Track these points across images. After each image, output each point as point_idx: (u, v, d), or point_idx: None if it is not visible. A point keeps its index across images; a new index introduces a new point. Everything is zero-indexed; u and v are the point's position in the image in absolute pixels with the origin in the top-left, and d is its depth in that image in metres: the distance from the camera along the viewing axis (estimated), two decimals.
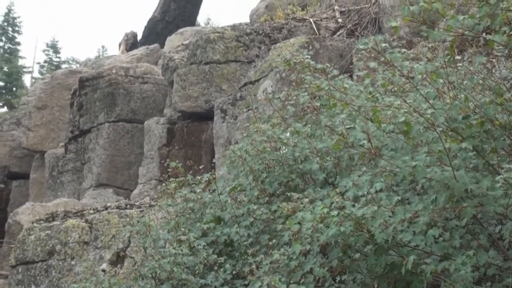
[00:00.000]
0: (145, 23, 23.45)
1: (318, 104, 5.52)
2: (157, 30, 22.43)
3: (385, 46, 4.07)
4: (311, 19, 12.92)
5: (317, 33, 12.40)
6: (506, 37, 3.64)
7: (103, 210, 9.55)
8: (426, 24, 3.73)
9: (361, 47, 4.00)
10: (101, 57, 28.34)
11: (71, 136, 16.08)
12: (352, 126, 4.21)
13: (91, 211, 9.68)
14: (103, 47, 32.59)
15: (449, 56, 4.16)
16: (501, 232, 3.95)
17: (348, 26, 12.71)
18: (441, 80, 4.10)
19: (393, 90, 4.49)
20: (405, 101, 3.77)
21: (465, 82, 4.28)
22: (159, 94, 15.37)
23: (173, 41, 19.01)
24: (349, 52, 10.64)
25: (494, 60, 5.25)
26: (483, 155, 3.90)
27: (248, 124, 6.85)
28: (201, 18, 28.12)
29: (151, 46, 19.37)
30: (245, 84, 11.26)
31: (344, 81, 5.33)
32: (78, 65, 31.75)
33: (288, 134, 5.83)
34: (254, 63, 11.76)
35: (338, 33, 12.58)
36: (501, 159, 3.99)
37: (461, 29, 3.79)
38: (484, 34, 3.94)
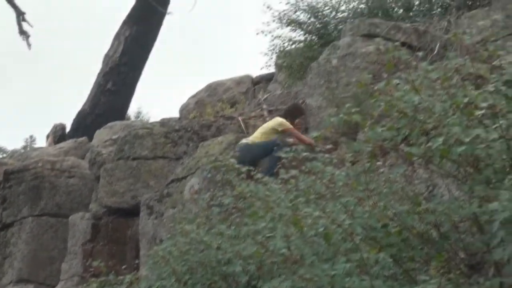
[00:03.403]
0: (74, 115, 23.32)
1: (243, 206, 5.57)
2: (86, 123, 22.30)
3: (307, 154, 4.15)
4: (239, 117, 13.06)
5: (245, 131, 12.53)
6: (422, 149, 3.74)
7: None
8: (346, 136, 3.82)
9: (283, 155, 4.07)
10: (28, 148, 28.01)
11: None
12: (272, 234, 4.25)
13: None
14: (31, 137, 32.30)
15: (369, 164, 4.25)
16: None
17: None
18: (361, 188, 4.18)
19: (314, 198, 4.55)
20: (323, 212, 3.83)
21: (385, 190, 4.38)
22: (86, 189, 15.18)
23: (102, 134, 18.91)
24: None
25: (413, 167, 5.37)
26: (401, 263, 3.95)
27: (172, 225, 6.84)
28: (131, 111, 28.08)
29: (79, 139, 19.22)
30: (172, 181, 11.24)
31: (268, 185, 5.40)
32: (4, 155, 31.29)
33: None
34: (182, 160, 11.79)
35: None
36: (418, 268, 4.05)
37: (379, 140, 3.90)
38: (402, 145, 4.05)
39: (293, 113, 10.81)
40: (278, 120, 10.51)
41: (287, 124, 10.31)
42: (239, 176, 5.82)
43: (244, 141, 10.41)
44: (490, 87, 3.60)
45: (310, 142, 9.54)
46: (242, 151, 9.85)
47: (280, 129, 10.29)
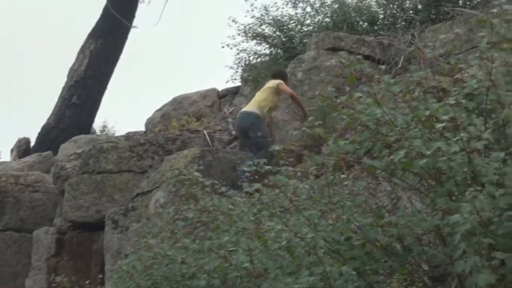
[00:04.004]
0: (39, 129, 23.13)
1: (207, 220, 5.55)
2: (51, 137, 22.12)
3: (269, 168, 4.14)
4: (205, 131, 13.05)
5: (210, 144, 12.52)
6: (385, 162, 3.75)
7: None
8: (308, 149, 3.82)
9: (246, 169, 4.06)
10: None
11: None
12: (235, 248, 4.23)
13: None
14: None
15: (332, 177, 4.25)
16: None
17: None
18: (324, 201, 4.19)
19: (277, 212, 4.55)
20: (286, 225, 3.82)
21: (348, 203, 4.39)
22: (50, 203, 15.05)
23: (67, 148, 18.78)
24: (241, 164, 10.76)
25: (377, 180, 5.39)
26: (364, 276, 3.96)
27: (137, 239, 6.79)
28: (97, 125, 27.91)
29: (44, 154, 19.04)
30: (137, 195, 11.17)
31: (232, 198, 5.39)
32: None
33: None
34: (147, 173, 11.73)
35: (232, 145, 12.75)
36: (382, 280, 4.06)
37: (342, 154, 3.90)
38: (365, 158, 4.06)
39: (283, 76, 11.31)
40: (275, 81, 10.98)
41: (284, 84, 10.92)
42: (203, 190, 5.81)
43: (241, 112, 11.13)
44: (451, 100, 3.62)
45: (305, 111, 10.48)
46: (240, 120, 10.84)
47: (276, 84, 10.89)
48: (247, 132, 10.56)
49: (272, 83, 10.93)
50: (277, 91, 10.84)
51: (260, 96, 10.89)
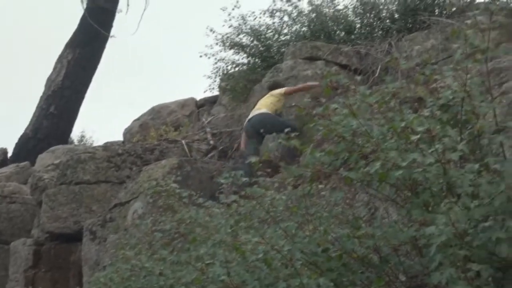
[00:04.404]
0: (16, 140, 23.00)
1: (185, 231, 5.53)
2: (28, 147, 22.00)
3: (245, 180, 4.13)
4: (183, 141, 13.02)
5: (188, 154, 12.49)
6: (361, 173, 3.76)
7: None
8: (283, 161, 3.82)
9: (222, 181, 4.06)
10: None
11: None
12: (212, 261, 4.22)
13: None
14: None
15: (309, 189, 4.25)
16: None
17: (220, 148, 12.91)
18: (301, 212, 4.18)
19: (255, 223, 4.55)
20: (263, 238, 3.82)
21: (325, 214, 4.39)
22: (27, 214, 14.95)
23: (44, 159, 18.67)
24: (220, 174, 10.73)
25: (355, 191, 5.40)
26: None
27: (114, 250, 6.75)
28: (75, 135, 27.80)
29: (21, 164, 18.93)
30: (115, 206, 11.12)
31: (210, 209, 5.38)
32: None
33: None
34: (125, 184, 11.68)
35: (210, 155, 12.73)
36: None
37: (319, 165, 3.90)
38: (342, 169, 4.06)
39: (281, 85, 11.70)
40: (275, 91, 11.39)
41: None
42: (181, 201, 5.79)
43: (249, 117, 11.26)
44: (426, 112, 3.64)
45: (304, 86, 11.24)
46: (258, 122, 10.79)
47: (283, 91, 11.36)
48: (265, 126, 10.49)
49: (275, 92, 11.28)
50: (281, 98, 11.21)
51: (265, 102, 11.09)
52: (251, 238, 3.95)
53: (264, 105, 11.03)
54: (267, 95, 11.27)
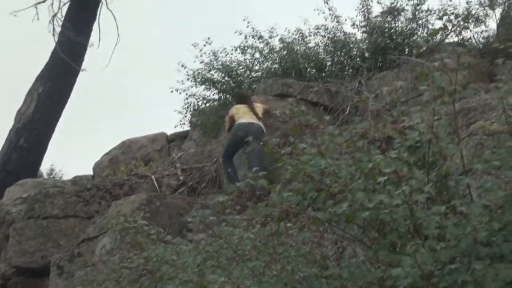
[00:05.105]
0: None
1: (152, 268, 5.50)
2: None
3: (213, 219, 4.13)
4: (152, 176, 12.98)
5: (158, 190, 12.44)
6: (328, 213, 3.76)
7: None
8: (251, 201, 3.82)
9: (189, 219, 4.05)
10: None
11: None
12: None
13: None
14: None
15: (277, 228, 4.25)
16: None
17: (190, 184, 12.87)
18: (269, 251, 4.18)
19: (222, 262, 4.53)
20: (229, 278, 3.80)
21: (293, 253, 4.38)
22: None
23: (13, 192, 18.45)
24: (190, 210, 10.70)
25: (323, 230, 5.41)
26: None
27: (81, 287, 6.69)
28: (44, 168, 27.59)
29: None
30: (83, 240, 11.02)
31: (179, 247, 5.35)
32: None
33: None
34: (94, 219, 11.60)
35: (180, 190, 12.69)
36: None
37: (286, 204, 3.90)
38: (310, 208, 4.07)
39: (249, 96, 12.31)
40: (263, 107, 11.74)
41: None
42: (149, 238, 5.76)
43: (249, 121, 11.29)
44: (393, 154, 3.66)
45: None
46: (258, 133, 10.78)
47: (268, 107, 11.89)
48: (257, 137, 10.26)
49: (258, 106, 11.57)
50: (265, 111, 11.57)
51: (256, 113, 11.20)
52: (218, 278, 3.93)
53: (255, 117, 11.22)
54: (259, 107, 11.52)
